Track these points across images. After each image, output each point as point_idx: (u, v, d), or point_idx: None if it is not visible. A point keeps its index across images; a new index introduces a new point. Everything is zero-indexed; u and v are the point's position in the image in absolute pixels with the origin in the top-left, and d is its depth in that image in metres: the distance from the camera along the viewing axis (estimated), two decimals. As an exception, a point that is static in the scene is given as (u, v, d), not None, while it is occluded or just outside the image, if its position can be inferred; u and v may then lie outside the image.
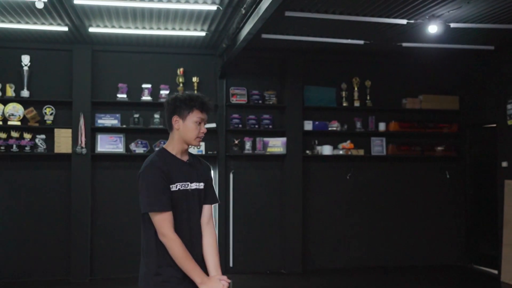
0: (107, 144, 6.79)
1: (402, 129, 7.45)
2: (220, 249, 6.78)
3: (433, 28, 5.23)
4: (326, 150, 7.24)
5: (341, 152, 7.28)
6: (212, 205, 2.80)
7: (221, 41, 6.26)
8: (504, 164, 6.76)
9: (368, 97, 7.40)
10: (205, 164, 2.81)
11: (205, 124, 2.68)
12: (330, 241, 7.32)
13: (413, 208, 7.55)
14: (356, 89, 7.37)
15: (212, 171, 2.90)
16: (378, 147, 7.47)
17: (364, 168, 7.45)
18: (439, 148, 7.59)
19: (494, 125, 7.04)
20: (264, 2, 4.39)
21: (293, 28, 5.88)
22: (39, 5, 4.45)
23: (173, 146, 2.65)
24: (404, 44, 6.38)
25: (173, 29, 5.95)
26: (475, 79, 7.41)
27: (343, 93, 7.35)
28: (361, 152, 7.32)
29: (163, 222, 2.49)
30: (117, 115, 6.80)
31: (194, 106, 2.59)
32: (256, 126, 7.14)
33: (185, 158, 2.67)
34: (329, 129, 7.29)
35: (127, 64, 6.90)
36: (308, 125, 7.22)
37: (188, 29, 5.97)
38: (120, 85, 6.78)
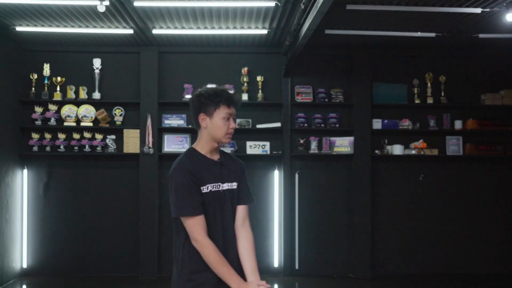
0: (174, 144, 6.89)
1: (481, 127, 6.92)
2: (285, 251, 6.71)
3: (511, 17, 4.78)
4: (397, 149, 6.89)
5: (413, 152, 6.90)
6: (247, 205, 2.67)
7: (284, 39, 6.14)
8: None
9: (442, 94, 6.95)
10: (238, 162, 2.67)
11: (234, 119, 2.53)
12: (401, 245, 6.97)
13: (492, 213, 7.01)
14: (429, 85, 6.95)
15: (245, 169, 2.74)
16: (454, 146, 6.99)
17: (438, 169, 7.02)
18: (524, 148, 6.99)
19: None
20: (320, -5, 4.22)
21: (357, 22, 5.63)
22: (101, 8, 4.56)
23: (202, 145, 2.53)
24: (481, 36, 5.91)
25: (235, 28, 5.91)
26: None
27: (415, 90, 6.96)
28: (435, 152, 6.90)
29: (194, 227, 2.40)
30: (183, 116, 6.88)
31: (220, 102, 2.47)
32: (322, 125, 6.94)
33: (215, 157, 2.55)
34: (400, 127, 6.93)
35: (192, 65, 6.97)
36: (377, 124, 6.91)
37: (249, 28, 5.90)
38: (186, 85, 6.86)
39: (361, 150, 6.85)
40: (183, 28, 5.88)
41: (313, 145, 6.91)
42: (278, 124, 6.89)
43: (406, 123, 6.92)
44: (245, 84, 6.88)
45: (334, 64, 7.03)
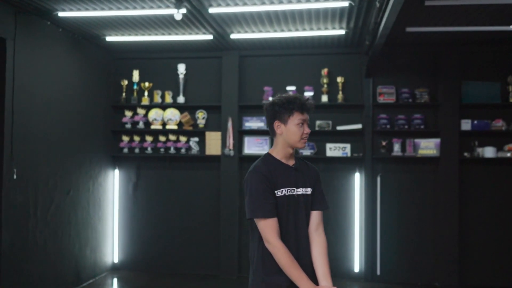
0: (254, 146, 6.98)
1: None
2: (366, 256, 6.54)
3: None
4: (489, 152, 6.45)
5: (508, 154, 6.42)
6: (321, 211, 2.70)
7: (363, 38, 5.99)
8: None
9: (542, 92, 6.42)
10: (312, 168, 2.74)
11: (308, 124, 2.64)
12: (491, 255, 6.50)
13: None
14: (525, 82, 6.44)
15: (320, 176, 2.80)
16: (555, 149, 6.41)
17: (537, 173, 6.47)
18: None
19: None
20: (394, -8, 4.06)
21: (439, 18, 5.33)
22: (178, 16, 4.73)
23: (277, 151, 2.65)
24: None
25: (311, 29, 5.85)
26: None
27: (510, 88, 6.47)
28: (531, 155, 6.38)
29: (267, 229, 2.48)
30: (263, 118, 6.94)
31: (294, 109, 2.57)
32: (406, 126, 6.66)
33: (291, 162, 2.64)
34: (492, 128, 6.48)
35: (272, 67, 7.01)
36: (466, 125, 6.51)
37: (326, 28, 5.82)
38: (265, 88, 6.92)
39: (448, 152, 6.50)
40: (260, 31, 5.93)
41: (396, 147, 6.66)
42: (359, 126, 6.73)
43: (499, 124, 6.46)
44: (325, 86, 6.80)
45: (418, 62, 6.73)
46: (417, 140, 6.64)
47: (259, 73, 7.03)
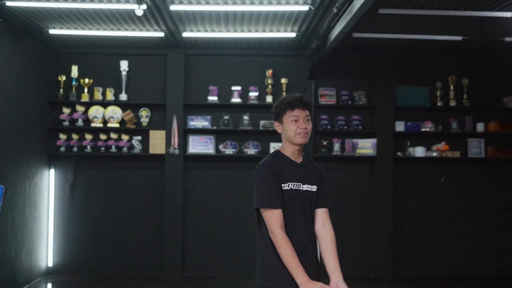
0: (198, 145, 6.97)
1: (503, 130, 6.98)
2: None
3: (541, 21, 4.86)
4: (419, 152, 6.96)
5: (434, 154, 6.97)
6: (327, 209, 2.83)
7: (311, 42, 6.21)
8: None
9: (465, 96, 7.02)
10: (318, 168, 2.88)
11: (306, 120, 2.72)
12: (423, 247, 7.02)
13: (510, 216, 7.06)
14: (452, 88, 7.02)
15: (325, 175, 2.92)
16: (476, 149, 7.05)
17: (460, 171, 7.08)
18: (545, 150, 7.04)
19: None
20: (357, 0, 4.29)
21: (385, 25, 5.70)
22: (139, 12, 4.65)
23: (284, 148, 2.78)
24: (507, 39, 5.98)
25: (264, 31, 5.99)
26: None
27: (438, 92, 7.03)
28: (457, 154, 6.96)
29: (271, 219, 2.57)
30: (208, 117, 6.97)
31: (285, 108, 2.72)
32: (345, 127, 7.01)
33: (298, 160, 2.77)
34: (422, 130, 7.00)
35: (218, 67, 7.05)
36: (400, 126, 6.98)
37: (278, 31, 5.99)
38: (211, 87, 6.94)
39: (384, 152, 6.92)
40: (212, 31, 5.97)
41: (336, 147, 6.98)
42: (301, 126, 6.96)
43: (428, 126, 6.99)
44: (270, 86, 6.96)
45: (357, 66, 7.10)
46: (355, 140, 7.00)
47: (204, 72, 7.04)
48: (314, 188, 2.74)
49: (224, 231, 7.00)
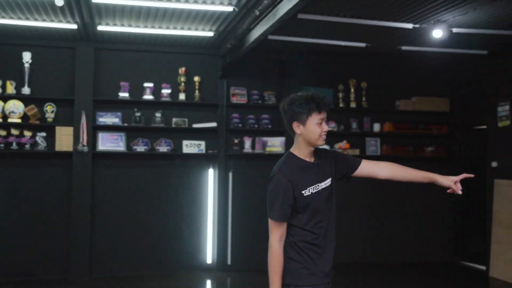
0: (108, 143, 6.78)
1: (396, 130, 7.68)
2: (218, 248, 6.89)
3: (437, 33, 5.44)
4: (324, 150, 7.40)
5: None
6: (362, 160, 2.88)
7: (226, 42, 6.33)
8: (494, 164, 7.05)
9: (363, 99, 7.60)
10: (329, 154, 2.83)
11: (326, 122, 2.71)
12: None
13: (405, 207, 7.78)
14: (352, 90, 7.55)
15: (335, 152, 2.92)
16: (373, 147, 7.68)
17: (359, 168, 7.63)
18: (430, 148, 7.85)
19: (485, 126, 7.34)
20: (282, 5, 4.49)
21: (296, 29, 5.97)
22: (59, 2, 4.45)
23: (299, 150, 2.71)
24: (404, 48, 6.59)
25: (182, 28, 6.00)
26: (466, 82, 7.68)
27: (340, 94, 7.53)
28: (356, 152, 7.51)
29: (273, 230, 2.60)
30: (119, 114, 6.80)
31: (312, 109, 2.63)
32: (256, 125, 7.24)
33: (312, 159, 2.72)
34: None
35: (130, 63, 6.91)
36: (307, 125, 7.35)
37: (197, 29, 6.03)
38: (122, 83, 6.79)
39: (292, 149, 7.25)
40: (130, 26, 5.85)
41: (247, 144, 7.19)
42: (214, 124, 7.08)
43: (332, 125, 7.46)
44: (182, 84, 6.97)
45: (267, 68, 7.37)
46: (265, 139, 7.26)
47: (116, 68, 6.86)
48: (329, 182, 2.71)
49: (135, 230, 6.88)
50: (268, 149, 7.25)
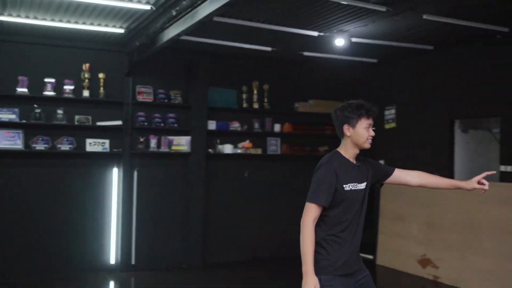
0: (4, 140, 6.38)
1: (294, 131, 8.13)
2: (122, 247, 6.83)
3: (340, 41, 5.92)
4: (227, 149, 7.63)
5: (239, 151, 7.72)
6: (395, 168, 3.18)
7: (135, 39, 6.28)
8: (381, 162, 7.74)
9: (266, 100, 7.94)
10: (369, 162, 3.10)
11: (372, 128, 2.97)
12: (231, 235, 7.72)
13: (302, 202, 8.22)
14: (255, 92, 7.86)
15: (374, 161, 3.20)
16: (274, 146, 8.06)
17: (261, 166, 7.98)
18: (323, 148, 8.41)
19: (373, 128, 8.04)
20: (203, 7, 4.61)
21: (207, 31, 6.10)
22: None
23: (345, 150, 2.98)
24: (305, 53, 7.03)
25: (92, 24, 5.84)
26: (358, 87, 8.35)
27: (244, 96, 7.81)
28: (258, 151, 7.84)
29: (309, 211, 2.86)
30: (16, 110, 6.43)
31: (362, 115, 2.91)
32: (162, 124, 7.25)
33: (355, 161, 2.99)
34: (231, 129, 7.69)
35: (29, 56, 6.56)
36: (212, 125, 7.54)
37: (107, 25, 5.91)
38: (20, 78, 6.42)
39: (197, 148, 7.39)
40: (35, 18, 5.57)
41: (153, 143, 7.18)
42: (119, 122, 6.97)
43: (236, 125, 7.71)
44: (86, 80, 6.77)
45: (174, 67, 7.41)
46: (171, 137, 7.30)
47: (13, 61, 6.47)
48: (363, 185, 2.98)
49: (35, 233, 6.56)
50: (174, 148, 7.30)
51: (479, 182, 3.00)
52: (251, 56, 7.41)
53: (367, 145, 2.96)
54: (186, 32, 5.14)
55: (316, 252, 2.89)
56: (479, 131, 7.14)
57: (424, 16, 5.16)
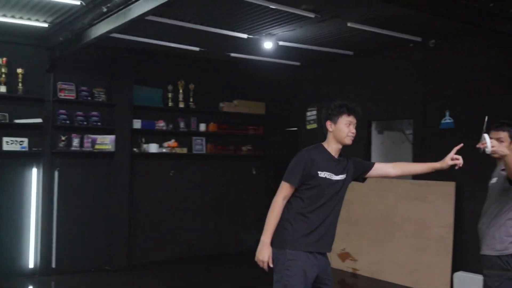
0: None
1: (219, 130, 8.24)
2: (42, 251, 6.59)
3: (268, 44, 6.10)
4: (153, 148, 7.57)
5: (164, 150, 7.69)
6: (375, 162, 3.47)
7: (59, 34, 6.05)
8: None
9: (191, 99, 7.97)
10: (350, 158, 3.36)
11: (355, 126, 3.22)
12: (157, 234, 7.66)
13: (227, 200, 8.38)
14: (181, 91, 7.86)
15: (355, 158, 3.44)
16: (199, 146, 8.11)
17: (186, 165, 8.00)
18: (247, 147, 8.61)
19: (295, 128, 8.37)
20: (137, 6, 4.57)
21: (135, 29, 6.03)
22: None
23: (328, 144, 3.25)
24: (232, 54, 7.15)
25: (13, 17, 5.55)
26: (282, 89, 8.62)
27: (169, 95, 7.78)
28: (184, 150, 7.85)
29: (282, 189, 3.15)
30: None
31: (343, 112, 3.18)
32: (85, 122, 7.04)
33: (336, 155, 3.25)
34: (156, 128, 7.63)
35: None
36: (137, 124, 7.44)
37: (29, 19, 5.64)
38: None
39: (122, 147, 7.26)
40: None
41: (75, 142, 6.95)
42: (38, 120, 6.68)
43: (161, 124, 7.67)
44: (3, 76, 6.43)
45: (98, 64, 7.22)
46: (94, 136, 7.12)
47: None
48: (340, 178, 3.22)
49: None
50: (97, 146, 7.13)
51: (452, 159, 3.26)
52: (178, 55, 7.40)
53: (347, 141, 3.21)
54: (117, 30, 5.07)
55: (284, 228, 3.15)
56: (393, 132, 7.67)
57: (349, 24, 5.48)
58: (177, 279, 6.87)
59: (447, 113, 6.27)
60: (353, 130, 3.22)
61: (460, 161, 3.26)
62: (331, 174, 3.17)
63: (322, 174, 3.14)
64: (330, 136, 3.25)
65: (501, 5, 4.75)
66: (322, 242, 3.19)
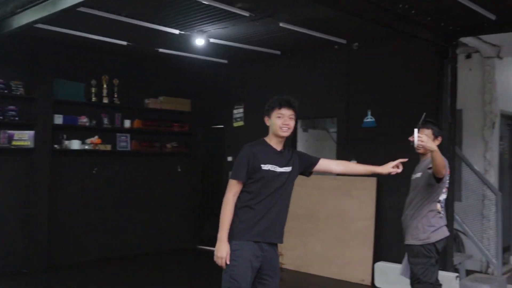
0: None
1: (144, 127, 8.10)
2: None
3: (200, 41, 6.09)
4: (75, 144, 7.29)
5: (86, 147, 7.43)
6: (320, 158, 3.56)
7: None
8: (229, 158, 8.16)
9: (115, 95, 7.75)
10: (294, 152, 3.47)
11: (291, 118, 3.31)
12: (78, 234, 7.38)
13: (152, 198, 8.26)
14: (105, 86, 7.62)
15: (300, 152, 3.59)
16: (123, 142, 7.91)
17: (110, 162, 7.78)
18: (173, 144, 8.53)
19: (222, 126, 8.42)
20: (68, -4, 4.41)
21: (59, 19, 5.74)
22: None
23: (269, 138, 3.38)
24: (160, 50, 7.05)
25: None
26: (208, 86, 8.61)
27: (93, 89, 7.52)
28: (108, 147, 7.63)
29: (230, 187, 3.25)
30: None
31: (274, 106, 3.31)
32: (1, 117, 6.63)
33: (278, 148, 3.36)
34: (79, 123, 7.35)
35: None
36: (58, 119, 7.12)
37: None
38: None
39: (42, 144, 6.92)
40: None
41: (-10, 138, 6.53)
42: (-52, 114, 6.20)
43: (84, 120, 7.39)
44: None
45: (15, 55, 6.82)
46: (11, 132, 6.72)
47: None
48: (289, 169, 3.33)
49: None
50: (15, 142, 6.74)
51: (393, 167, 3.48)
52: (103, 48, 7.16)
53: (281, 133, 3.31)
54: (45, 20, 4.85)
55: (232, 221, 3.23)
56: (317, 130, 7.96)
57: (281, 24, 5.62)
58: (98, 281, 6.63)
59: (369, 113, 6.62)
60: (287, 122, 3.30)
61: (399, 170, 3.49)
62: (274, 166, 3.28)
63: (265, 166, 3.24)
64: (269, 130, 3.40)
65: (421, 12, 5.12)
66: (270, 232, 3.28)
